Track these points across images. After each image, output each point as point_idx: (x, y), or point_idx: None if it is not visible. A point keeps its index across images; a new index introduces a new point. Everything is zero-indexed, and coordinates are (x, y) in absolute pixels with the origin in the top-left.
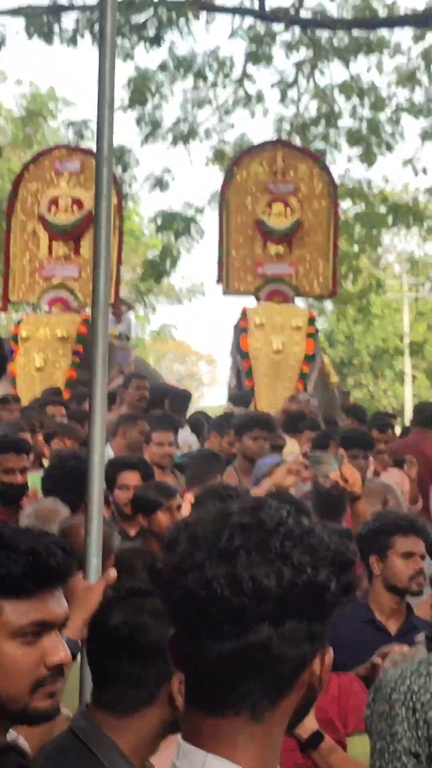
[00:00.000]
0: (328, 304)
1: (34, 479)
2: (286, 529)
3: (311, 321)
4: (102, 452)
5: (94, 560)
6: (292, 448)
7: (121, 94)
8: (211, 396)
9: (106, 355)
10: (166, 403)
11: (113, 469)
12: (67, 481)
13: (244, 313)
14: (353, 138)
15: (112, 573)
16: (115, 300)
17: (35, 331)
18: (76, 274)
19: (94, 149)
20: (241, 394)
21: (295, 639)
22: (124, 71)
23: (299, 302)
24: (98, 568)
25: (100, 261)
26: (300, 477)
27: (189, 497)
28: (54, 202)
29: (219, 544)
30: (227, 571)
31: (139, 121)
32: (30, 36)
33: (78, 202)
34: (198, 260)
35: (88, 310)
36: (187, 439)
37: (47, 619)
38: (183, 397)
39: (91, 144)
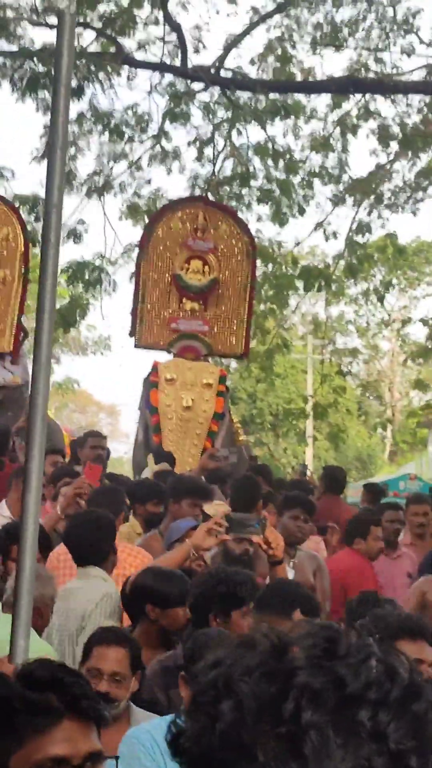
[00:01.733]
0: (232, 362)
1: None
2: (379, 692)
3: (222, 379)
4: (36, 525)
5: (21, 641)
6: (220, 508)
7: (38, 144)
8: (112, 447)
9: (45, 418)
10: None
11: None
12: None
13: (155, 368)
14: (264, 197)
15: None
16: (14, 347)
17: None
18: None
19: (6, 196)
20: (164, 452)
21: None
22: (40, 121)
23: (210, 359)
24: (25, 650)
25: (44, 315)
26: (220, 539)
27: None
28: None
29: (279, 721)
30: None
31: None
32: None
33: None
34: (106, 312)
35: None
36: None
37: None
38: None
39: (2, 190)
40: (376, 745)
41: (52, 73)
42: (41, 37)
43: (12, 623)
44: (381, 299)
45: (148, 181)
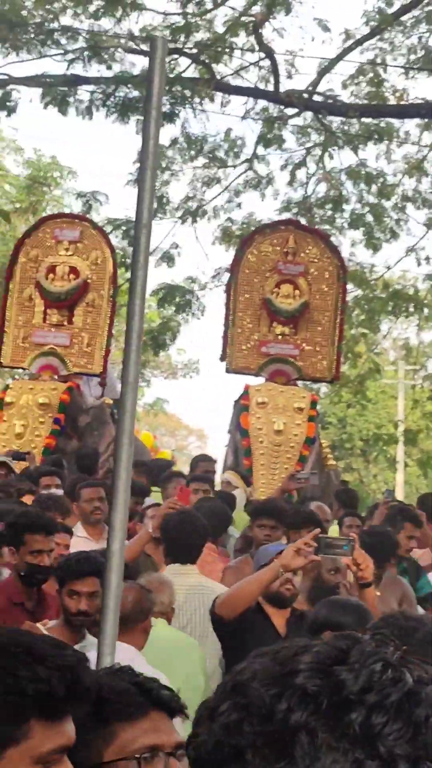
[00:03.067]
0: (322, 386)
1: None
2: (377, 695)
3: (313, 404)
4: (122, 543)
5: (108, 658)
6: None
7: (131, 169)
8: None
9: (132, 438)
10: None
11: None
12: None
13: (246, 391)
14: (357, 222)
15: None
16: (103, 369)
17: (19, 397)
18: (67, 342)
19: (100, 220)
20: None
21: None
22: (134, 146)
23: (300, 384)
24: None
25: (133, 335)
26: (309, 560)
27: None
28: (51, 269)
29: (271, 721)
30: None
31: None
32: (45, 106)
33: (74, 271)
34: (196, 336)
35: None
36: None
37: (69, 744)
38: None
39: (96, 215)
40: (367, 748)
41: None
42: (137, 63)
43: (99, 640)
44: None
45: (239, 205)
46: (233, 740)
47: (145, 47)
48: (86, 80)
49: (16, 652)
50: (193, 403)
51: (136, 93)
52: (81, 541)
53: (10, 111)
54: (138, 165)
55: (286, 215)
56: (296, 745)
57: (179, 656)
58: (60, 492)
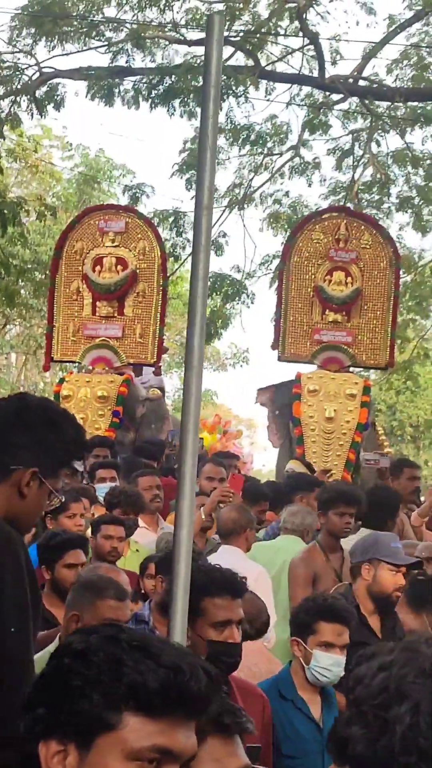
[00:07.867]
0: (371, 373)
1: None
2: None
3: (366, 389)
4: (190, 530)
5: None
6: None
7: (176, 159)
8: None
9: (197, 422)
10: None
11: None
12: None
13: (298, 379)
14: (405, 205)
15: None
16: (157, 358)
17: (76, 390)
18: (119, 334)
19: (147, 212)
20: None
21: None
22: (180, 135)
23: (353, 370)
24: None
25: (195, 319)
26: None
27: None
28: (98, 261)
29: None
30: None
31: (189, 184)
32: (92, 98)
33: (122, 262)
34: (246, 324)
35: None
36: None
37: (173, 749)
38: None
39: (142, 208)
40: None
41: (193, 82)
42: (180, 51)
43: (169, 628)
44: None
45: (286, 193)
46: (418, 743)
47: (188, 36)
48: (131, 71)
49: (132, 646)
50: (242, 393)
51: (178, 83)
52: (141, 531)
53: (58, 105)
54: (183, 156)
55: (333, 199)
56: None
57: None
58: (115, 485)
